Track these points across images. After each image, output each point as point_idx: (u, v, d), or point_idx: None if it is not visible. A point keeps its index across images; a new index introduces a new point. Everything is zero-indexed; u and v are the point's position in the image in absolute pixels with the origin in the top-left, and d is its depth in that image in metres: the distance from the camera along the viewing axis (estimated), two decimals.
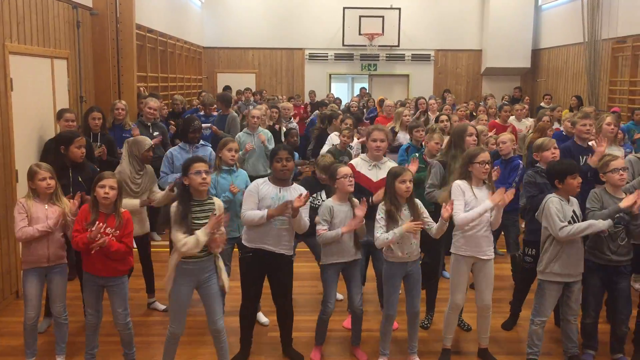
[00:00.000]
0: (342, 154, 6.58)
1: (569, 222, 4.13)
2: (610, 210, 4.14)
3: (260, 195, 4.21)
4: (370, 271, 5.18)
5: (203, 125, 7.78)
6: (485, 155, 4.20)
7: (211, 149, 5.73)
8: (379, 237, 4.13)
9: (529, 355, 4.36)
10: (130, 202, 4.87)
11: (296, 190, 4.26)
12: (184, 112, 9.19)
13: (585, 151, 5.21)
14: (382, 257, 4.35)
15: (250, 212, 4.17)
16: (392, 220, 4.13)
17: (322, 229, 4.25)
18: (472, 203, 4.18)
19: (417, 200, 4.28)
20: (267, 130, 7.32)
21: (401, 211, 4.16)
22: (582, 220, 4.18)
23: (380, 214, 4.16)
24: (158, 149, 7.00)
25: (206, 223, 3.81)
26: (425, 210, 4.28)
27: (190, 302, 4.03)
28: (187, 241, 3.74)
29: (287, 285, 4.40)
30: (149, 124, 7.20)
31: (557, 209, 4.14)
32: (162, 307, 5.29)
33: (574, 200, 4.26)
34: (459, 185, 4.24)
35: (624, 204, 4.08)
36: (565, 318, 4.38)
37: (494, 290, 5.64)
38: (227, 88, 13.99)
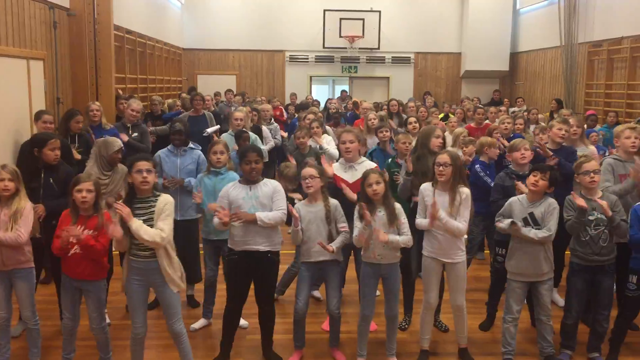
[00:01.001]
0: (303, 156, 6.45)
1: (519, 222, 4.25)
2: (575, 213, 4.25)
3: (231, 199, 4.22)
4: (352, 273, 5.19)
5: (212, 128, 7.83)
6: (442, 158, 4.22)
7: (200, 152, 5.72)
8: (354, 235, 4.22)
9: (504, 355, 4.40)
10: None
11: (267, 186, 4.25)
12: (163, 114, 9.14)
13: (558, 153, 5.25)
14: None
15: (215, 219, 4.19)
16: (362, 221, 4.18)
17: (293, 229, 4.34)
18: (430, 206, 4.24)
19: (397, 205, 4.29)
20: (251, 133, 7.26)
21: (375, 213, 4.18)
22: (540, 223, 4.25)
23: (355, 214, 4.20)
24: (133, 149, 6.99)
25: (146, 220, 3.80)
26: (403, 215, 4.28)
27: (146, 301, 4.01)
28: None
29: (272, 288, 4.40)
30: (129, 125, 7.15)
31: (506, 207, 4.34)
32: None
33: (545, 204, 4.28)
34: (421, 189, 4.35)
35: (579, 202, 4.20)
36: (538, 318, 4.44)
37: (473, 292, 5.78)
38: (192, 89, 13.92)
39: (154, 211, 3.85)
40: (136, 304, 3.94)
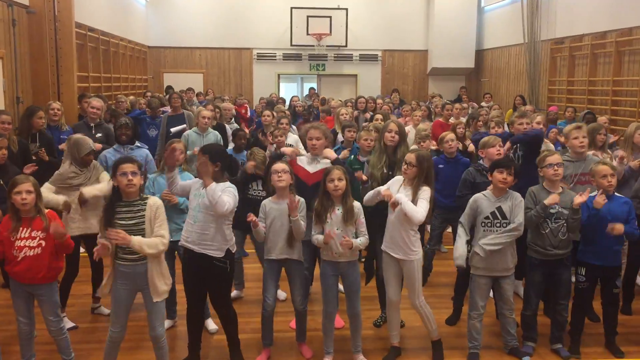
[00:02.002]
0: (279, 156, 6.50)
1: (487, 218, 4.32)
2: (538, 207, 4.33)
3: (188, 185, 4.24)
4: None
5: (177, 127, 7.73)
6: (408, 156, 4.25)
7: (147, 151, 5.63)
8: (312, 235, 4.24)
9: (470, 350, 4.45)
10: (51, 197, 4.73)
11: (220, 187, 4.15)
12: (130, 113, 9.01)
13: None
14: None
15: None
16: (319, 218, 4.19)
17: (261, 225, 4.31)
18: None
19: (357, 204, 4.29)
20: (216, 132, 7.22)
21: (333, 211, 4.19)
22: (508, 217, 4.31)
23: (312, 211, 4.22)
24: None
25: (135, 223, 3.74)
26: (362, 214, 4.29)
27: (130, 306, 3.93)
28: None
29: (224, 293, 4.27)
30: (92, 125, 7.01)
31: (471, 206, 4.38)
32: (107, 311, 5.15)
33: (510, 198, 4.35)
34: (394, 180, 4.38)
35: (548, 201, 4.29)
36: (501, 312, 4.51)
37: (439, 287, 5.85)
38: (169, 88, 13.76)
39: (143, 215, 3.76)
40: (120, 310, 3.86)
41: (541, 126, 5.74)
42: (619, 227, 4.26)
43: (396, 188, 4.28)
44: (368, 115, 9.47)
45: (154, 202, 3.84)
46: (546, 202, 4.31)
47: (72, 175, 4.89)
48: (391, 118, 6.73)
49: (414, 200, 4.14)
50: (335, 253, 4.22)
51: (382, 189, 4.27)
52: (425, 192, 4.19)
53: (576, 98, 11.51)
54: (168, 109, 8.72)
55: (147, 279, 3.80)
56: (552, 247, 4.41)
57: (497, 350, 4.62)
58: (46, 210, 3.96)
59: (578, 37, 11.49)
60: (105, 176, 4.98)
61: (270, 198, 4.42)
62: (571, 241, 4.48)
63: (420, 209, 4.10)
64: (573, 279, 5.56)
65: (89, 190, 4.79)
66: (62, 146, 6.23)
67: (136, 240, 3.63)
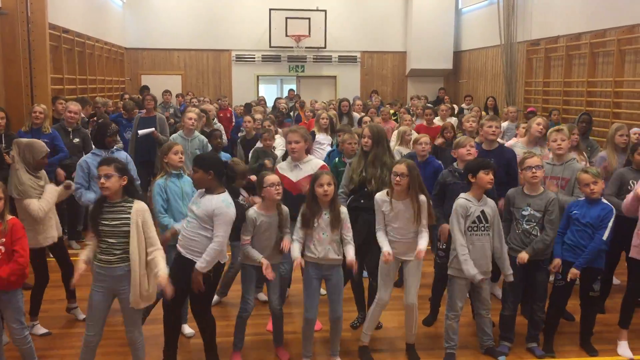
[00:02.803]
0: (266, 154, 6.56)
1: (474, 222, 4.29)
2: (510, 253, 4.46)
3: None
4: (298, 273, 5.16)
5: (144, 130, 7.67)
6: (398, 168, 4.22)
7: (126, 154, 5.56)
8: (292, 244, 4.20)
9: (447, 350, 4.47)
10: (50, 197, 4.73)
11: (210, 201, 4.06)
12: (110, 116, 8.97)
13: (489, 154, 5.23)
14: None
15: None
16: (306, 224, 4.15)
17: (246, 239, 4.24)
18: (391, 215, 4.28)
19: (343, 209, 4.28)
20: (202, 136, 7.08)
21: (320, 216, 4.16)
22: (489, 220, 4.32)
23: (299, 216, 4.17)
24: (77, 156, 6.77)
25: (119, 224, 3.71)
26: (348, 219, 4.28)
27: (107, 309, 3.88)
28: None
29: (205, 299, 4.21)
30: (70, 129, 6.91)
31: (460, 213, 4.29)
32: (83, 316, 5.08)
33: (488, 200, 4.38)
34: (376, 200, 4.33)
35: (518, 260, 4.43)
36: (478, 312, 4.54)
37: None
38: (145, 88, 13.63)
39: (127, 218, 3.72)
40: (96, 314, 3.80)
41: (541, 128, 5.69)
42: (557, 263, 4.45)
43: (388, 207, 4.26)
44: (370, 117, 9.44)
45: (141, 207, 3.79)
46: (518, 259, 4.41)
47: (31, 183, 4.75)
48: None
49: (419, 217, 4.23)
50: (317, 255, 4.20)
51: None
52: (424, 206, 4.26)
53: (552, 99, 11.65)
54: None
55: (125, 281, 3.75)
56: (524, 247, 4.47)
57: (473, 350, 4.64)
58: (9, 217, 3.86)
59: (553, 39, 11.63)
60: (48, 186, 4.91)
61: (256, 208, 4.31)
62: (550, 245, 4.51)
63: (425, 241, 4.29)
64: (551, 278, 5.63)
65: (44, 207, 4.71)
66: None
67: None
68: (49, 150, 4.97)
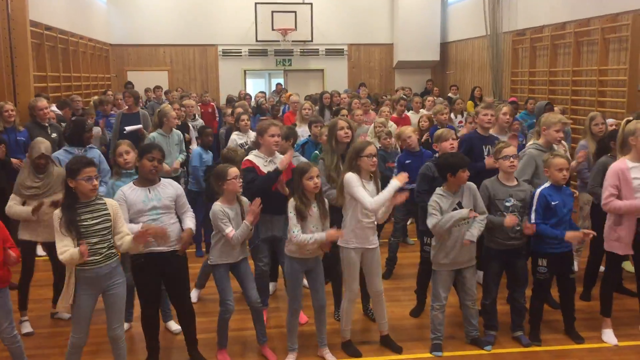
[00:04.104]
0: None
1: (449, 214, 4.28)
2: (495, 221, 4.41)
3: (129, 203, 4.04)
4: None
5: (131, 127, 7.65)
6: (371, 149, 4.22)
7: (99, 151, 5.54)
8: (297, 236, 4.09)
9: (433, 340, 4.49)
10: (20, 210, 4.68)
11: (166, 187, 4.14)
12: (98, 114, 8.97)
13: (486, 140, 5.41)
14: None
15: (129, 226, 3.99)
16: (301, 217, 4.12)
17: (230, 231, 4.17)
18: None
19: (325, 200, 4.31)
20: (179, 132, 7.08)
21: (310, 208, 4.16)
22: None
23: (291, 211, 4.14)
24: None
25: (101, 221, 3.70)
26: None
27: (92, 312, 3.85)
28: (64, 256, 3.58)
29: (184, 286, 4.29)
30: (47, 124, 6.89)
31: (433, 206, 4.31)
32: (68, 315, 5.05)
33: (465, 192, 4.37)
34: (352, 178, 4.21)
35: (506, 223, 4.35)
36: (463, 303, 4.56)
37: (404, 279, 5.88)
38: (129, 84, 13.56)
39: (107, 214, 3.74)
40: (83, 315, 3.77)
41: (507, 117, 5.75)
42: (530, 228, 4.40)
43: (362, 188, 4.21)
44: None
45: (112, 202, 3.88)
46: (505, 223, 4.36)
47: (29, 183, 4.76)
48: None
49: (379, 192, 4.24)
50: (307, 251, 4.20)
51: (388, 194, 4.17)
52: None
53: (538, 89, 11.67)
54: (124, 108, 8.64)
55: (111, 277, 3.76)
56: (509, 239, 4.48)
57: (459, 340, 4.66)
58: None
59: (538, 29, 11.64)
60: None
61: (219, 203, 4.25)
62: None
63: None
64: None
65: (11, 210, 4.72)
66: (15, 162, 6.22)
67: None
68: (44, 151, 4.80)
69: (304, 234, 4.11)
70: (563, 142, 5.83)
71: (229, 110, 8.15)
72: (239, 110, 7.62)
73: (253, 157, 4.80)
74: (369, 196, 4.16)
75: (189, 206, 4.34)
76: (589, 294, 5.40)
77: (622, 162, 4.51)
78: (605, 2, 9.38)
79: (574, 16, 10.34)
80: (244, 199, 4.31)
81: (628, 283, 5.53)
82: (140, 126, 7.75)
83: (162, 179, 4.23)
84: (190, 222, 4.26)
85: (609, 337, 4.64)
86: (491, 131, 5.60)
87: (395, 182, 4.14)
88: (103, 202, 3.80)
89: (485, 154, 5.30)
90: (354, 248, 4.32)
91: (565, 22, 10.67)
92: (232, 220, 4.21)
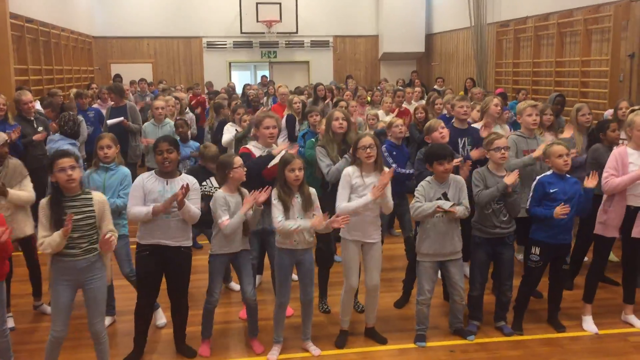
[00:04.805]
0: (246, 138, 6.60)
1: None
2: (497, 187, 4.37)
3: (146, 190, 4.09)
4: (266, 259, 5.17)
5: (113, 120, 7.65)
6: (365, 140, 4.23)
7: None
8: (281, 222, 4.11)
9: (417, 332, 4.53)
10: None
11: (184, 181, 4.14)
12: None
13: (463, 133, 5.41)
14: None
15: (136, 208, 4.06)
16: (286, 208, 4.14)
17: (225, 220, 4.19)
18: (360, 189, 4.26)
19: (312, 190, 4.29)
20: (172, 122, 7.20)
21: (293, 198, 4.17)
22: (456, 200, 4.34)
23: (275, 199, 4.15)
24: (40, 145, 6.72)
25: (84, 217, 3.66)
26: (317, 200, 4.29)
27: (72, 303, 3.83)
28: (44, 244, 3.57)
29: (185, 281, 4.30)
30: (32, 118, 6.86)
31: (419, 191, 4.36)
32: (50, 309, 5.02)
33: (452, 184, 4.39)
34: (346, 173, 4.29)
35: (508, 180, 4.33)
36: (451, 298, 4.59)
37: (389, 270, 5.90)
38: (117, 77, 13.46)
39: (91, 210, 3.69)
40: (61, 307, 3.75)
41: (498, 108, 5.75)
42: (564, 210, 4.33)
43: (359, 180, 4.23)
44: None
45: (100, 197, 3.81)
46: (507, 180, 4.34)
47: None
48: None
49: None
50: (294, 241, 4.20)
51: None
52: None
53: (522, 80, 11.74)
54: (110, 103, 8.60)
55: (90, 271, 3.73)
56: (494, 227, 4.50)
57: (443, 330, 4.70)
58: None
59: (522, 20, 11.70)
60: (28, 185, 4.81)
61: (222, 190, 4.29)
62: (513, 220, 4.57)
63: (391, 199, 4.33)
64: (520, 257, 5.71)
65: (13, 193, 4.61)
66: (37, 137, 6.60)
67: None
68: (7, 139, 4.85)
69: None
70: (557, 134, 5.86)
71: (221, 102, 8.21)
72: (236, 103, 7.77)
73: (252, 146, 4.86)
74: (343, 199, 4.24)
75: (198, 200, 4.24)
76: (571, 283, 5.46)
77: (623, 148, 4.64)
78: None
79: (557, 7, 10.40)
80: (244, 190, 4.31)
81: (609, 272, 5.61)
82: (121, 119, 7.75)
83: (183, 174, 4.25)
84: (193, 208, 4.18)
85: (589, 325, 4.70)
86: (482, 122, 5.66)
87: (367, 197, 4.17)
88: (90, 197, 3.74)
89: (460, 146, 5.33)
90: (352, 240, 4.34)
91: (549, 13, 10.73)
92: (231, 209, 4.23)
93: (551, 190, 4.43)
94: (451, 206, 4.26)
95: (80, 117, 6.97)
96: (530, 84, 11.18)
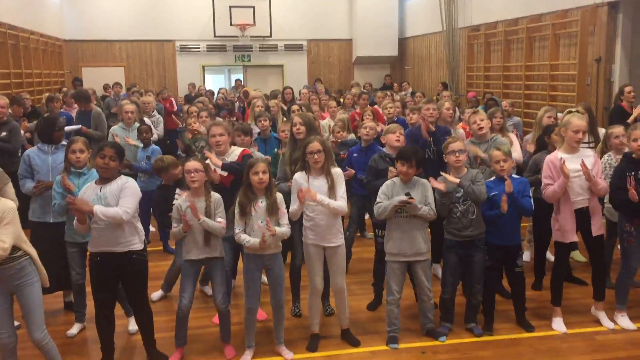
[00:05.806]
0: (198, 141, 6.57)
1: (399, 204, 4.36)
2: (436, 196, 4.49)
3: (86, 199, 3.98)
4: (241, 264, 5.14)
5: (70, 127, 7.57)
6: (313, 146, 4.25)
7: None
8: (238, 234, 4.15)
9: (389, 333, 4.56)
10: None
11: (116, 183, 4.04)
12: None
13: (432, 133, 5.49)
14: None
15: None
16: (243, 213, 4.14)
17: (174, 227, 4.23)
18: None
19: (279, 195, 4.28)
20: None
21: (257, 203, 4.17)
22: (421, 201, 4.39)
23: (236, 207, 4.14)
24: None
25: None
26: (284, 205, 4.28)
27: (10, 309, 3.74)
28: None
29: (141, 286, 4.23)
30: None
31: (383, 190, 4.44)
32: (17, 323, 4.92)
33: (418, 186, 4.43)
34: (295, 179, 4.35)
35: (438, 186, 4.45)
36: (419, 297, 4.64)
37: (360, 273, 5.92)
38: (76, 80, 13.29)
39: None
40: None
41: (451, 111, 5.94)
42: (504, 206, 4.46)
43: (306, 185, 4.25)
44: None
45: (4, 204, 3.60)
46: (441, 188, 4.45)
47: None
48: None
49: (334, 189, 4.23)
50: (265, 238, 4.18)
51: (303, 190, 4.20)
52: (341, 179, 4.32)
53: (493, 83, 11.92)
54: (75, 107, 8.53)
55: (23, 279, 3.65)
56: (464, 228, 4.56)
57: (414, 332, 4.74)
58: None
59: (492, 24, 11.88)
60: (10, 191, 4.71)
61: (183, 198, 4.28)
62: (483, 223, 4.63)
63: (341, 202, 4.27)
64: None
65: None
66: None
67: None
68: None
69: (251, 230, 4.16)
70: (509, 135, 5.97)
71: (186, 108, 8.12)
72: (193, 108, 7.68)
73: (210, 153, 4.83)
74: (293, 203, 4.27)
75: (130, 203, 4.02)
76: (540, 284, 5.55)
77: (554, 155, 4.72)
78: None
79: (526, 12, 10.59)
80: (214, 195, 4.30)
81: (578, 272, 5.72)
82: (79, 126, 7.72)
83: (113, 180, 4.07)
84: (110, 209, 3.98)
85: (559, 325, 4.78)
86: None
87: (294, 206, 4.23)
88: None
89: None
90: (311, 244, 4.36)
91: (518, 17, 10.92)
92: (192, 215, 4.19)
93: (490, 194, 4.57)
94: (410, 199, 4.29)
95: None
96: (501, 88, 11.36)
